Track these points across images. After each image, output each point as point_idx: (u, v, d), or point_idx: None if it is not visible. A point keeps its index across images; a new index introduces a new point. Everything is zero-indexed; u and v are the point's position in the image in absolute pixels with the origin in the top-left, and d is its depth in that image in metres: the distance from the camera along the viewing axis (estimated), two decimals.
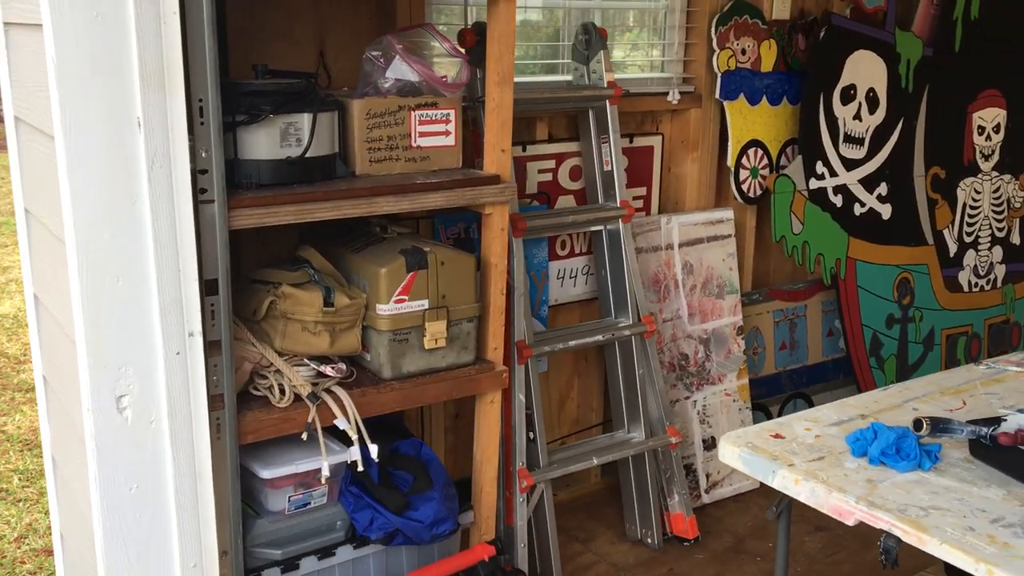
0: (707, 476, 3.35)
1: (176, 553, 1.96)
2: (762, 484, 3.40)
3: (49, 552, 3.23)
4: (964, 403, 2.00)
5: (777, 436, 1.85)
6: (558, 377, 3.33)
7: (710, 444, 3.33)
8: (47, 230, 2.00)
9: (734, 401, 3.43)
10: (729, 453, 1.81)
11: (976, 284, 4.12)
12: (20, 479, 3.83)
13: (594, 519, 3.27)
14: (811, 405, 3.34)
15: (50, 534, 2.91)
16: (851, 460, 1.73)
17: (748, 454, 1.77)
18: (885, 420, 1.86)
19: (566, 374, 3.35)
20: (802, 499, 1.68)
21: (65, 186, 1.70)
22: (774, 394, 3.71)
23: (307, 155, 2.13)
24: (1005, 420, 1.74)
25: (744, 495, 3.42)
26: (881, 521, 1.54)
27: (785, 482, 1.70)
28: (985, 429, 1.69)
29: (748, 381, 3.48)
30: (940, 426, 1.70)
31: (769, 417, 3.61)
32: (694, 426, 3.31)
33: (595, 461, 2.94)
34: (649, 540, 3.08)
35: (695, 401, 3.33)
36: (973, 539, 1.47)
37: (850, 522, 1.59)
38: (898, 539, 1.52)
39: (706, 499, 3.34)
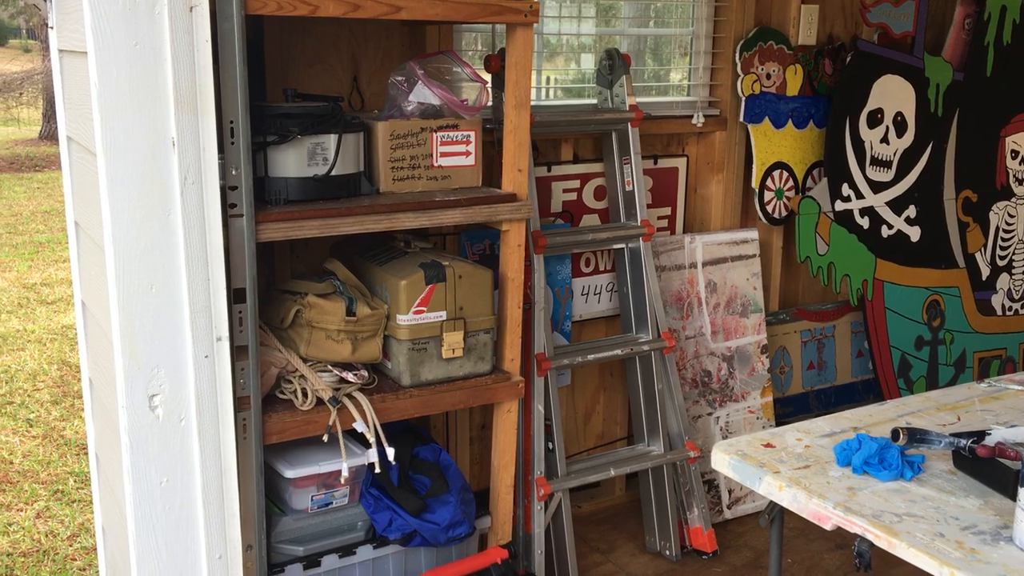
0: (729, 492, 3.40)
1: (203, 544, 2.10)
2: None
3: (97, 549, 3.41)
4: (959, 419, 2.04)
5: (768, 445, 1.92)
6: (584, 392, 3.42)
7: None
8: (92, 241, 2.17)
9: (758, 418, 3.47)
10: (720, 460, 1.88)
11: (1011, 308, 4.10)
12: (75, 481, 4.04)
13: (616, 531, 3.34)
14: None
15: None
16: (836, 469, 1.80)
17: (737, 461, 1.85)
18: (877, 433, 1.91)
19: (592, 389, 3.44)
20: (785, 504, 1.75)
21: (105, 200, 1.86)
22: (801, 413, 3.74)
23: (332, 173, 2.27)
24: (990, 434, 1.79)
25: None
26: (855, 526, 1.60)
27: (770, 488, 1.77)
28: (964, 441, 1.74)
29: (773, 399, 3.52)
30: (918, 436, 1.75)
31: None
32: (716, 442, 3.36)
33: (612, 472, 3.02)
34: (667, 552, 3.15)
35: (718, 417, 3.39)
36: (941, 544, 1.52)
37: (827, 527, 1.66)
38: (871, 543, 1.58)
39: (728, 515, 3.39)
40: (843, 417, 2.06)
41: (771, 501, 1.84)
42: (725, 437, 3.39)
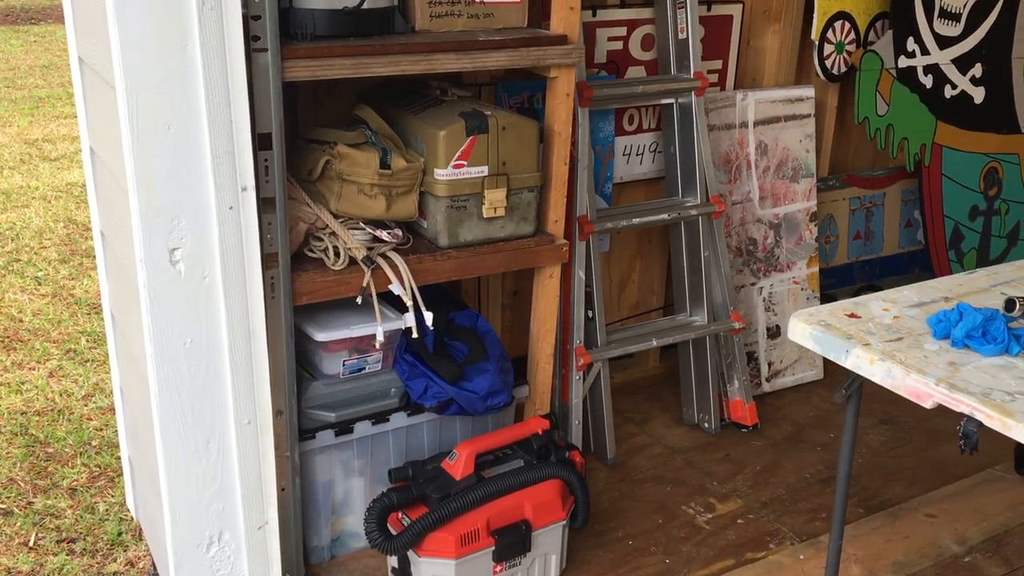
0: (769, 365, 3.26)
1: (231, 409, 1.96)
2: (825, 375, 3.34)
3: (114, 410, 3.32)
4: None
5: (852, 316, 1.74)
6: (620, 259, 3.24)
7: (774, 332, 3.23)
8: (100, 78, 1.94)
9: (802, 290, 3.30)
10: (800, 331, 1.72)
11: None
12: (88, 340, 3.91)
13: (650, 402, 3.23)
14: None
15: None
16: (931, 342, 1.63)
17: (820, 332, 1.68)
18: (971, 304, 1.74)
19: (628, 256, 3.25)
20: (876, 380, 1.59)
21: (113, 25, 1.63)
22: (844, 285, 3.57)
23: (364, 6, 2.02)
24: None
25: (806, 385, 3.33)
26: (962, 404, 1.44)
27: (859, 362, 1.60)
28: None
29: (818, 270, 3.35)
30: None
31: None
32: (758, 313, 3.21)
33: (654, 343, 2.87)
34: (706, 425, 3.03)
35: (761, 288, 3.22)
36: None
37: (928, 405, 1.50)
38: (979, 424, 1.42)
39: (767, 388, 3.26)
40: (930, 286, 1.88)
41: (853, 376, 1.69)
42: (768, 308, 3.23)
